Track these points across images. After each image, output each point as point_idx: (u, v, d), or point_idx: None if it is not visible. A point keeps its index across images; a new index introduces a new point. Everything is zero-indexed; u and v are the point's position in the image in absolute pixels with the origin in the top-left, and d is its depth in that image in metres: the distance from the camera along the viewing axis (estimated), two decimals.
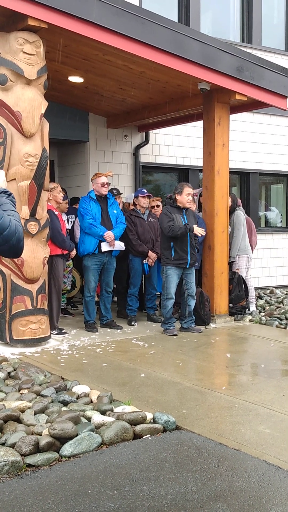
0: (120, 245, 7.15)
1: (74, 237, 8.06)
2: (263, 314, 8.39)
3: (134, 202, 7.96)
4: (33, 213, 5.99)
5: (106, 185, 7.14)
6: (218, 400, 4.46)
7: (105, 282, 7.28)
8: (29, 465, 3.28)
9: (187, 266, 7.00)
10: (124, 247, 7.25)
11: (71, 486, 3.04)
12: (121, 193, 8.52)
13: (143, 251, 7.56)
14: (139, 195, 7.75)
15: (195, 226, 6.95)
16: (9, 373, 5.06)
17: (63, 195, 7.28)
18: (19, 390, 4.53)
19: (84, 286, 7.28)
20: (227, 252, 7.92)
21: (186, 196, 7.00)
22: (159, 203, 8.26)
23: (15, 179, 5.93)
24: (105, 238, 6.96)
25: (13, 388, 4.56)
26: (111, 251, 7.11)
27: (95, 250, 7.01)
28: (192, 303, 7.15)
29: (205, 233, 7.25)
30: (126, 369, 5.33)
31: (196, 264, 7.26)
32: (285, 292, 10.51)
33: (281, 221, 12.16)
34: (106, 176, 7.23)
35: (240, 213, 8.33)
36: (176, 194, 7.05)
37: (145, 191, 7.79)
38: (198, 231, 6.96)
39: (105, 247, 7.01)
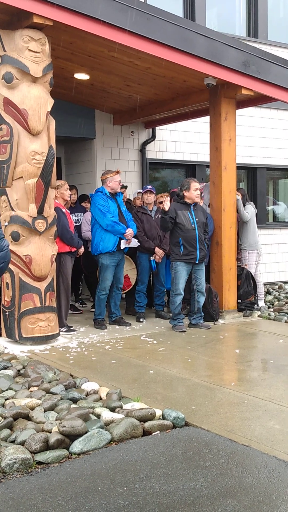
0: (135, 242, 7.24)
1: (82, 233, 8.07)
2: (272, 309, 8.37)
3: (141, 199, 7.98)
4: (40, 211, 6.00)
5: (120, 183, 7.23)
6: (227, 396, 4.45)
7: (116, 278, 7.28)
8: (39, 463, 3.29)
9: (197, 262, 6.99)
10: (138, 243, 7.31)
11: (81, 483, 3.04)
12: (126, 186, 8.56)
13: (149, 247, 7.56)
14: (142, 191, 7.81)
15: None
16: (18, 370, 5.09)
17: (70, 193, 7.29)
18: (28, 388, 4.54)
19: (99, 284, 7.24)
20: (235, 248, 7.90)
21: (194, 191, 7.01)
22: (167, 198, 8.22)
23: (22, 177, 5.94)
24: (126, 235, 6.99)
25: (23, 386, 4.58)
26: (124, 248, 7.15)
27: (115, 248, 7.03)
28: (202, 299, 7.15)
29: (166, 208, 6.86)
30: (135, 366, 5.33)
31: (205, 260, 7.25)
32: None
33: None
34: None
35: (250, 207, 8.32)
36: (184, 191, 7.04)
37: (148, 187, 7.79)
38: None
39: (123, 244, 7.06)
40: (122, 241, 7.05)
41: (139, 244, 7.36)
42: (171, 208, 6.98)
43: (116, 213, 7.09)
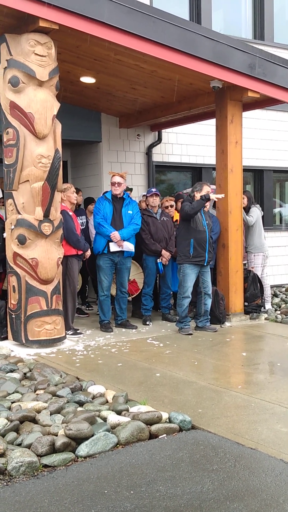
0: (127, 247, 7.12)
1: (90, 237, 8.10)
2: (279, 312, 8.34)
3: (145, 202, 7.99)
4: (46, 214, 6.01)
5: (116, 185, 7.14)
6: (234, 399, 4.44)
7: (119, 283, 7.28)
8: (45, 466, 3.29)
9: (205, 264, 7.00)
10: (133, 249, 7.22)
11: (87, 486, 3.04)
12: (131, 188, 8.54)
13: (156, 250, 7.56)
14: (147, 194, 7.80)
15: (211, 194, 7.06)
16: (25, 373, 5.09)
17: (76, 196, 7.29)
18: (35, 391, 4.55)
19: (98, 286, 7.29)
20: (242, 250, 7.88)
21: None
22: (173, 203, 8.24)
23: (28, 180, 5.95)
24: (111, 238, 6.98)
25: (29, 389, 4.58)
26: (123, 251, 7.11)
27: (105, 250, 7.03)
28: (209, 302, 7.14)
29: (222, 196, 7.31)
30: (142, 369, 5.32)
31: (210, 263, 7.25)
32: None
33: None
34: (122, 177, 7.21)
35: (256, 210, 8.31)
36: (196, 192, 7.08)
37: (153, 190, 7.78)
38: (216, 196, 7.10)
39: (113, 247, 7.03)
40: (111, 244, 7.03)
41: (131, 250, 7.18)
42: (188, 203, 6.98)
43: (109, 215, 7.09)
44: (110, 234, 6.98)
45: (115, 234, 7.00)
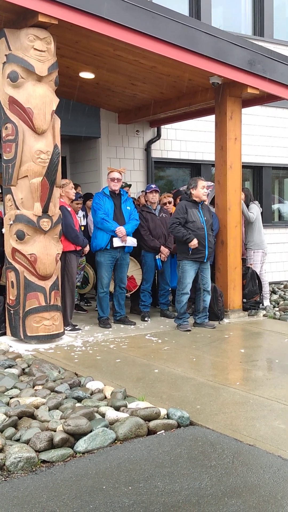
0: (132, 241, 7.15)
1: (89, 232, 8.09)
2: (277, 309, 8.35)
3: (144, 198, 7.97)
4: (45, 210, 6.00)
5: (116, 181, 7.13)
6: (233, 395, 4.44)
7: (119, 278, 7.28)
8: (44, 461, 3.29)
9: (204, 260, 6.99)
10: (136, 243, 7.24)
11: (85, 482, 3.04)
12: (130, 184, 8.53)
13: (155, 246, 7.55)
14: (147, 191, 7.78)
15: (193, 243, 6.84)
16: (23, 369, 5.09)
17: (75, 192, 7.28)
18: (33, 387, 4.55)
19: (97, 282, 7.29)
20: (240, 247, 7.88)
21: (202, 189, 7.01)
22: (171, 199, 8.23)
23: (27, 176, 5.94)
24: (116, 233, 6.97)
25: (27, 385, 4.58)
26: (124, 247, 7.11)
27: (107, 245, 7.02)
28: (208, 298, 7.14)
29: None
30: (140, 365, 5.32)
31: (210, 259, 7.24)
32: None
33: None
34: (120, 173, 7.21)
35: (255, 207, 8.30)
36: (191, 189, 7.04)
37: (152, 186, 7.77)
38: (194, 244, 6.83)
39: (117, 242, 7.02)
40: (115, 239, 7.02)
41: (135, 244, 7.21)
42: (182, 206, 6.95)
43: (110, 211, 7.07)
44: (116, 229, 6.98)
45: (121, 229, 7.00)
